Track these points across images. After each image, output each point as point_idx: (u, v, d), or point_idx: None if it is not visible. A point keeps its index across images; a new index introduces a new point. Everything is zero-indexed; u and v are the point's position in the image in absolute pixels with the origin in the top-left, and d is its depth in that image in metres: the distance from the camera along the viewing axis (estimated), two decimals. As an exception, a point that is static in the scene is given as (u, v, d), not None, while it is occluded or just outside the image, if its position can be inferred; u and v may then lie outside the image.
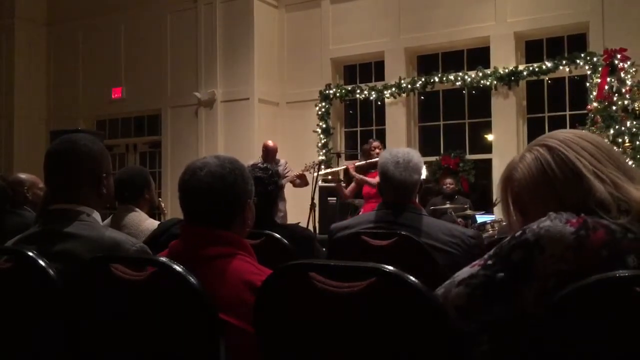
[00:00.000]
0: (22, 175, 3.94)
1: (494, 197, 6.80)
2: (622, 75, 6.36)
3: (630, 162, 5.98)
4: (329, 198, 7.25)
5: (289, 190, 6.73)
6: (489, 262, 1.22)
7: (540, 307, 1.13)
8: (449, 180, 7.28)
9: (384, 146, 8.16)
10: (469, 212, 6.31)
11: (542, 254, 1.15)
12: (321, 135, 8.44)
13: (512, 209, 1.35)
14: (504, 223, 1.30)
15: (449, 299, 1.22)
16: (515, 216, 1.34)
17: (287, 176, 6.64)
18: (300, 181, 6.73)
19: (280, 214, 6.40)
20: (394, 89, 8.03)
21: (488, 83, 7.43)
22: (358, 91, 8.36)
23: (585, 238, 1.14)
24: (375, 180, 5.52)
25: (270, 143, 6.86)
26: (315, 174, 6.71)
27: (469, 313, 1.21)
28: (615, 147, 5.95)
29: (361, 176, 5.72)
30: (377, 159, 5.52)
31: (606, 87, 6.38)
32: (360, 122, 8.84)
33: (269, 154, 6.75)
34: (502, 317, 1.24)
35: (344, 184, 6.37)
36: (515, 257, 1.18)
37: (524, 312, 1.20)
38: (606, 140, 5.92)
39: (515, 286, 1.18)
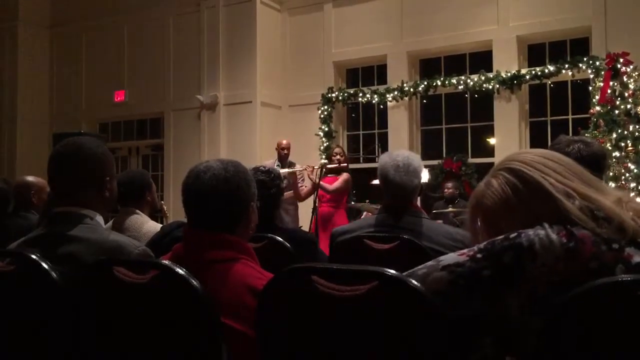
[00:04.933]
0: (30, 179, 3.82)
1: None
2: (625, 79, 6.35)
3: (633, 167, 5.98)
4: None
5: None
6: (478, 255, 1.20)
7: (526, 312, 1.13)
8: (449, 185, 7.29)
9: (385, 149, 8.18)
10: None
11: (534, 262, 1.15)
12: (323, 139, 8.44)
13: (486, 235, 1.32)
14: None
15: (429, 281, 1.19)
16: None
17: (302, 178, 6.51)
18: (311, 183, 6.43)
19: (287, 218, 6.36)
20: (396, 93, 8.02)
21: (490, 87, 7.42)
22: (360, 94, 8.35)
23: (575, 250, 1.15)
24: (333, 186, 6.21)
25: (283, 141, 6.86)
26: (317, 179, 6.63)
27: (446, 300, 1.18)
28: (618, 151, 5.98)
29: (322, 183, 6.10)
30: (343, 164, 6.31)
31: (609, 91, 6.37)
32: (362, 126, 8.83)
33: (281, 151, 6.73)
34: (479, 314, 1.23)
35: (302, 187, 6.45)
36: (506, 259, 1.17)
37: (506, 315, 1.19)
38: (608, 145, 5.96)
39: (500, 287, 1.18)
